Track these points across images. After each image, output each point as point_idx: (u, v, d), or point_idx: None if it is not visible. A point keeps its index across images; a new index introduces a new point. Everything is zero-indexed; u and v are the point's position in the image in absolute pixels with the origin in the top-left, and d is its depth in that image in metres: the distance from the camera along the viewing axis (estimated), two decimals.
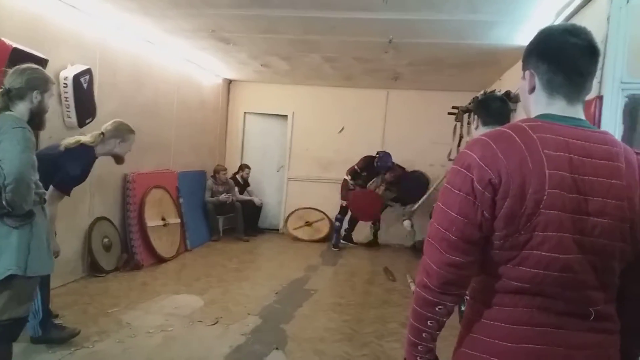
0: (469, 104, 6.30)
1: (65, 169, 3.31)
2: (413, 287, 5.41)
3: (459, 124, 6.56)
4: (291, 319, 4.47)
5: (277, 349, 3.78)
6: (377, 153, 7.77)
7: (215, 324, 4.21)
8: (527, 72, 1.32)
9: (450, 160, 6.53)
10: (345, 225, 7.99)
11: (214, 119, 8.58)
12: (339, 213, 7.88)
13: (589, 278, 1.18)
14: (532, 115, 1.30)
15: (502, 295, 1.22)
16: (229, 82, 8.99)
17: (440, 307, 1.24)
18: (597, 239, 1.17)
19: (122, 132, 3.66)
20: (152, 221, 6.08)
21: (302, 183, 8.81)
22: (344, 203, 7.78)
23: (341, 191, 7.85)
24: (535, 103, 1.30)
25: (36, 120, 2.63)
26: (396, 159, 7.82)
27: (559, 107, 1.26)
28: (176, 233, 6.64)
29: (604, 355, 1.23)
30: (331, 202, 8.55)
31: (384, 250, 7.65)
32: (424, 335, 1.28)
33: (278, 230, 8.84)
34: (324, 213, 8.59)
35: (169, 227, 6.45)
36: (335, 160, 8.64)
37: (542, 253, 1.15)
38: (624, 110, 2.96)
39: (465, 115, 6.47)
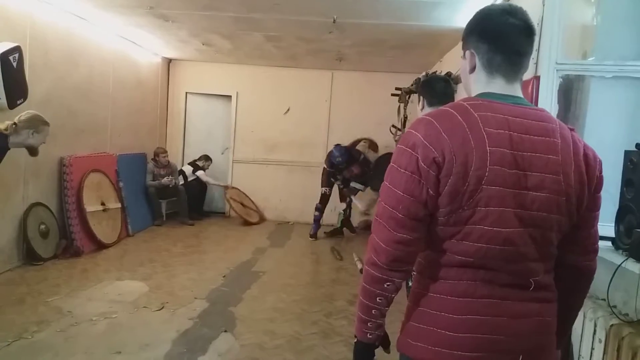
0: (412, 85, 6.41)
1: None
2: (360, 266, 5.52)
3: (402, 105, 6.67)
4: (240, 302, 4.45)
5: (225, 331, 3.76)
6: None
7: (161, 309, 4.13)
8: (467, 52, 1.34)
9: (396, 140, 6.63)
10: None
11: (153, 99, 8.29)
12: (319, 202, 7.52)
13: (529, 250, 1.23)
14: (473, 94, 1.33)
15: (447, 269, 1.26)
16: (169, 61, 8.71)
17: (388, 283, 1.27)
18: (536, 212, 1.22)
19: (36, 123, 3.60)
20: (91, 206, 5.85)
21: (248, 165, 8.72)
22: (326, 191, 7.48)
23: (322, 178, 7.52)
24: (476, 82, 1.33)
25: None
26: (342, 140, 7.85)
27: (498, 85, 1.29)
28: (117, 218, 6.43)
29: (543, 322, 1.29)
30: (278, 184, 8.58)
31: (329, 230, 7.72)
32: (373, 312, 1.31)
33: (224, 213, 8.74)
34: (258, 211, 8.57)
35: (109, 212, 6.24)
36: (281, 142, 8.62)
37: (485, 227, 1.19)
38: (559, 90, 3.10)
39: (408, 96, 6.58)
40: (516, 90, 1.31)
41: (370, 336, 1.35)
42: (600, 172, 1.32)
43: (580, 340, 2.25)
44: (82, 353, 3.25)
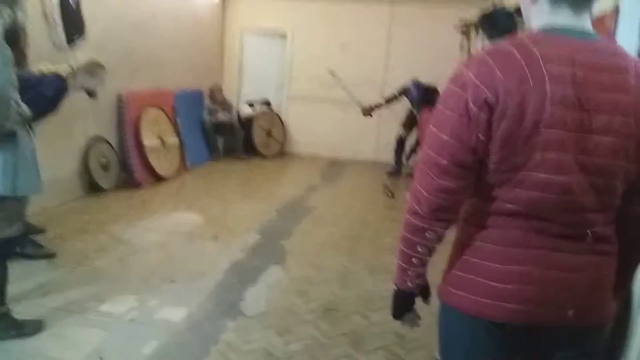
0: (478, 18, 5.99)
1: (39, 89, 3.29)
2: None
3: (466, 39, 6.28)
4: (290, 236, 4.51)
5: (276, 264, 3.83)
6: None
7: (215, 240, 4.25)
8: None
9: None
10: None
11: (210, 36, 8.25)
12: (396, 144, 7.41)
13: (589, 200, 1.12)
14: (534, 27, 1.19)
15: (495, 218, 1.17)
16: None
17: (430, 232, 1.20)
18: (600, 159, 1.10)
19: (93, 67, 3.79)
20: (149, 141, 6.01)
21: (302, 103, 8.62)
22: (403, 134, 7.32)
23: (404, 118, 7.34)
24: (538, 13, 1.18)
25: (11, 36, 2.51)
26: (402, 77, 7.54)
27: (563, 17, 1.14)
28: (175, 153, 6.59)
29: (598, 276, 1.19)
30: (332, 123, 8.45)
31: (383, 168, 7.60)
32: (414, 260, 1.26)
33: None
34: (282, 143, 8.47)
35: (167, 147, 6.39)
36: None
37: (540, 175, 1.09)
38: None
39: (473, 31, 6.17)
40: (585, 22, 1.15)
41: (411, 284, 1.31)
42: None
43: None
44: (137, 280, 3.41)
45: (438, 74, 7.30)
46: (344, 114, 8.42)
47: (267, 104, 8.33)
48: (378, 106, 7.16)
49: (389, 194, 6.09)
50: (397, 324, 3.04)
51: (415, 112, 7.09)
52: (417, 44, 7.97)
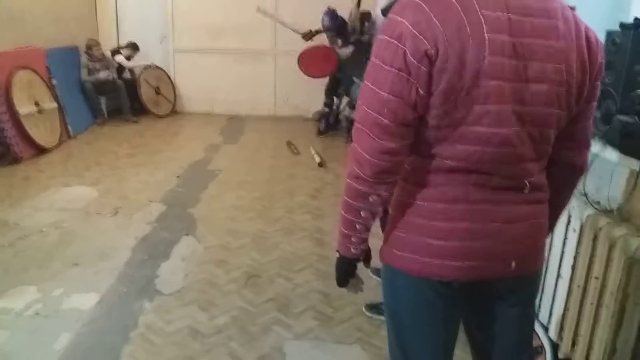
0: None
1: None
2: (317, 159, 5.43)
3: None
4: (198, 202, 4.31)
5: (187, 234, 3.66)
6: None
7: (115, 214, 3.96)
8: None
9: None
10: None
11: None
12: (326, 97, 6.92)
13: (526, 150, 1.12)
14: None
15: (435, 175, 1.15)
16: None
17: (374, 197, 1.16)
18: (535, 108, 1.09)
19: None
20: (23, 107, 5.36)
21: (191, 55, 8.10)
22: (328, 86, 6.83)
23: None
24: None
25: None
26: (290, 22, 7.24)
27: None
28: (55, 119, 5.96)
29: (535, 225, 1.23)
30: (225, 74, 8.05)
31: (284, 123, 7.49)
32: (357, 226, 1.21)
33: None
34: (172, 102, 8.03)
35: (45, 113, 5.75)
36: (225, 27, 7.95)
37: (481, 129, 1.06)
38: None
39: None
40: None
41: (355, 251, 1.27)
42: (602, 57, 1.19)
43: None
44: (35, 268, 3.09)
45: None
46: (237, 66, 8.07)
47: (135, 47, 7.62)
48: (318, 31, 6.64)
49: (295, 151, 6.01)
50: (321, 283, 3.08)
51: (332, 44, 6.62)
52: None
